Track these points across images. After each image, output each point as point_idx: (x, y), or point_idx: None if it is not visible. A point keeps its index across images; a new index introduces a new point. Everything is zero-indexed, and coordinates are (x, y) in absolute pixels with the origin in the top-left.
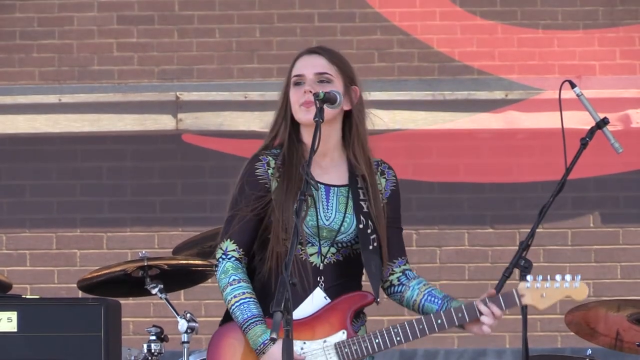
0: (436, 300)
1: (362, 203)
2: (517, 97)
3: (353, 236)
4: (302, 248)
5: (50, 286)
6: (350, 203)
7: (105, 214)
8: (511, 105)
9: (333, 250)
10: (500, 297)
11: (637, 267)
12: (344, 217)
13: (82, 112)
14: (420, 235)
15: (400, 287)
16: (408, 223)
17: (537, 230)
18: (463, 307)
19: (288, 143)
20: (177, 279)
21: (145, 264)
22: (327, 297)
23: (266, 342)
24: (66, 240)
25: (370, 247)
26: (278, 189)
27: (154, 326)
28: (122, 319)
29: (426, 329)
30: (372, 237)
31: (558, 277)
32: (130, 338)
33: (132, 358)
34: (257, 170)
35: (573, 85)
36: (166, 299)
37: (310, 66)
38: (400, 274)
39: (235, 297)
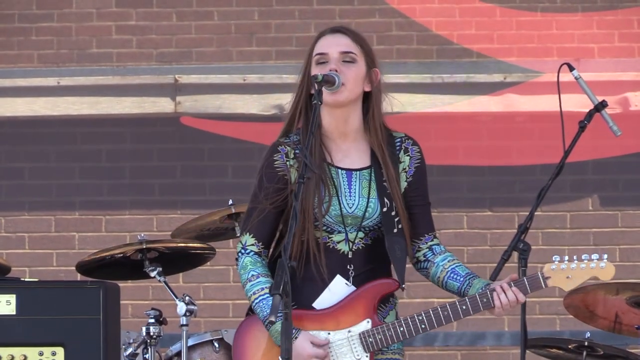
0: (458, 278)
1: (385, 184)
2: (515, 80)
3: (378, 220)
4: (330, 236)
5: (49, 269)
6: (374, 186)
7: (104, 196)
8: (510, 88)
9: (361, 235)
10: (526, 281)
11: (636, 250)
12: (367, 202)
13: (81, 94)
14: None
15: (426, 263)
16: None
17: (536, 213)
18: (488, 292)
19: (306, 126)
20: (175, 261)
21: (144, 246)
22: (348, 283)
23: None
24: (65, 223)
25: (395, 230)
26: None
27: (152, 309)
28: (121, 302)
29: (451, 315)
30: (396, 220)
31: (584, 257)
32: (129, 321)
33: (131, 341)
34: (276, 162)
35: (572, 68)
36: (165, 281)
37: (335, 45)
38: (427, 250)
39: (255, 293)
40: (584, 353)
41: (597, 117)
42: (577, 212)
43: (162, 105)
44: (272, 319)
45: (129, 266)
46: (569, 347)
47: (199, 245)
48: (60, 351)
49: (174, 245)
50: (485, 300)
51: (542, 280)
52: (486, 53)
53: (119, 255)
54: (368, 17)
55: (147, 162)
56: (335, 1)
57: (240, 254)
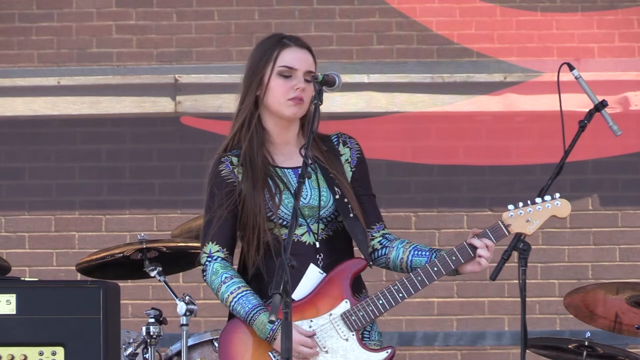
0: (423, 252)
1: (331, 175)
2: (515, 80)
3: (333, 209)
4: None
5: (49, 268)
6: (321, 177)
7: (104, 196)
8: (510, 88)
9: (322, 226)
10: (488, 231)
11: (635, 250)
12: (319, 192)
13: (81, 94)
14: (419, 218)
15: (384, 249)
16: (407, 205)
17: None
18: (455, 249)
19: (250, 131)
20: (175, 261)
21: (144, 246)
22: (322, 272)
23: (274, 328)
24: (65, 223)
25: (351, 215)
26: (244, 180)
27: (152, 309)
28: (121, 302)
29: (425, 279)
30: (349, 206)
31: (538, 199)
32: (129, 320)
33: (131, 340)
34: (222, 172)
35: (572, 68)
36: (165, 281)
37: (304, 62)
38: (381, 237)
39: (231, 293)
40: (584, 353)
41: (597, 116)
42: (577, 211)
43: (162, 105)
44: (272, 318)
45: (129, 266)
46: (569, 346)
47: (199, 244)
48: (60, 351)
49: (174, 244)
50: (454, 258)
51: (503, 228)
52: (486, 53)
53: (119, 255)
54: (368, 16)
55: (147, 161)
56: (335, 1)
57: (207, 263)
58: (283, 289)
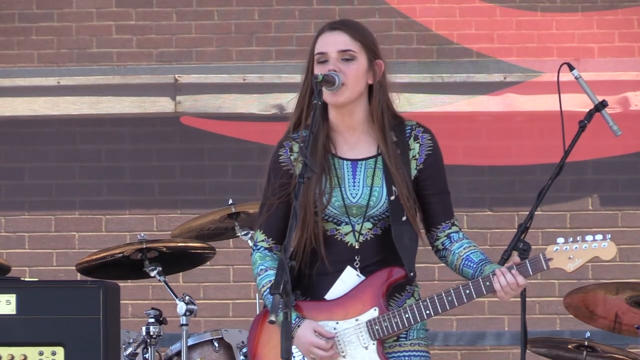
0: (472, 265)
1: (391, 173)
2: (515, 80)
3: (385, 209)
4: (337, 228)
5: (49, 269)
6: (379, 174)
7: (104, 196)
8: (510, 88)
9: (369, 225)
10: (528, 263)
11: (635, 250)
12: (371, 191)
13: (81, 94)
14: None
15: (444, 251)
16: None
17: (536, 212)
18: (490, 275)
19: (309, 124)
20: (175, 261)
21: (144, 246)
22: (360, 275)
23: (292, 325)
24: (65, 223)
25: (403, 218)
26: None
27: (152, 309)
28: (121, 302)
29: (455, 300)
30: (403, 209)
31: (587, 237)
32: (129, 320)
33: (131, 340)
34: (281, 157)
35: (572, 68)
36: (165, 281)
37: (332, 43)
38: (445, 238)
39: (263, 286)
40: (584, 353)
41: (597, 116)
42: (577, 211)
43: (162, 105)
44: (272, 318)
45: (129, 266)
46: (569, 346)
47: (199, 244)
48: (60, 351)
49: (174, 245)
50: (488, 283)
51: (543, 262)
52: (486, 53)
53: (119, 255)
54: (368, 17)
55: (147, 162)
56: (335, 1)
57: (253, 251)
58: (283, 289)
